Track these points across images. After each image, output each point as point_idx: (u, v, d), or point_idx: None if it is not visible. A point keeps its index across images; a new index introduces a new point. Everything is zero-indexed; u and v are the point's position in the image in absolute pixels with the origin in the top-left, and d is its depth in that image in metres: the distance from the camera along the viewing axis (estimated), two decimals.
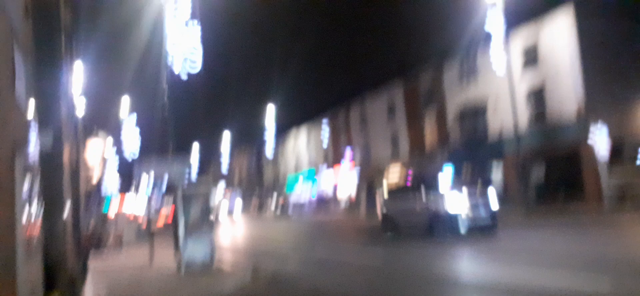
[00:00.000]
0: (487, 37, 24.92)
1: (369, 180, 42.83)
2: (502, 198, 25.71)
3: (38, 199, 6.06)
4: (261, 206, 54.12)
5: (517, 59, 26.99)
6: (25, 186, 4.88)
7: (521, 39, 27.04)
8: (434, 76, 35.03)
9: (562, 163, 24.90)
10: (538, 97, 26.68)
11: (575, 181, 24.03)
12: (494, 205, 15.66)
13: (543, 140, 25.99)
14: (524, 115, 26.49)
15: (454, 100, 32.90)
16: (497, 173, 29.62)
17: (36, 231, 5.80)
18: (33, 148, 5.97)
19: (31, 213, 5.35)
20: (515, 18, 25.01)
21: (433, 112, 35.36)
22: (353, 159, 45.34)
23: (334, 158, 50.02)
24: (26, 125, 5.47)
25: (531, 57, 26.80)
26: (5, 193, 4.06)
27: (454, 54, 31.86)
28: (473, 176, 31.48)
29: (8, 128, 4.26)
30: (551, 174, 24.96)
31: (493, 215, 15.53)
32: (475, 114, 30.92)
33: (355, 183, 45.04)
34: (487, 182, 29.96)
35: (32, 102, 6.01)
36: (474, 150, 30.60)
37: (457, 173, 32.35)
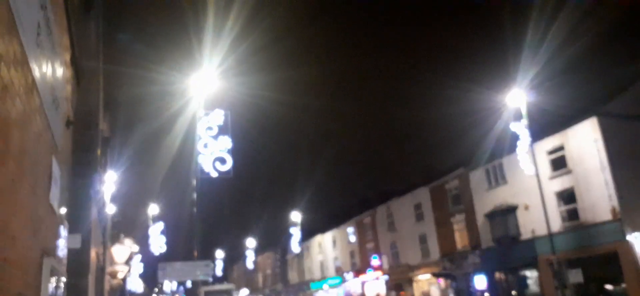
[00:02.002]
0: (514, 138, 25.62)
1: (398, 281, 41.79)
2: None
3: None
4: None
5: (545, 161, 27.29)
6: (51, 288, 5.14)
7: (547, 143, 27.59)
8: (461, 177, 35.25)
9: (599, 262, 24.51)
10: (569, 198, 26.68)
11: (615, 280, 23.82)
12: None
13: (577, 240, 25.67)
14: (555, 215, 26.28)
15: (482, 201, 32.79)
16: (531, 274, 28.85)
17: None
18: (61, 251, 6.30)
19: None
20: (540, 123, 25.88)
21: (462, 213, 35.12)
22: (380, 265, 44.47)
23: (360, 262, 49.16)
24: (57, 230, 5.84)
25: (559, 159, 27.21)
26: (32, 295, 4.31)
27: (480, 156, 32.28)
28: (508, 280, 30.56)
29: (40, 233, 4.62)
30: (589, 273, 24.27)
31: None
32: (505, 215, 30.62)
33: (384, 289, 43.91)
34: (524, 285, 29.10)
35: (64, 207, 6.44)
36: (506, 250, 30.01)
37: (490, 276, 31.51)
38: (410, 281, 40.66)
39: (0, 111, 2.90)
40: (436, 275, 36.86)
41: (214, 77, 16.80)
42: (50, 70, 4.59)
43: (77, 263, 7.19)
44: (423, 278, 39.24)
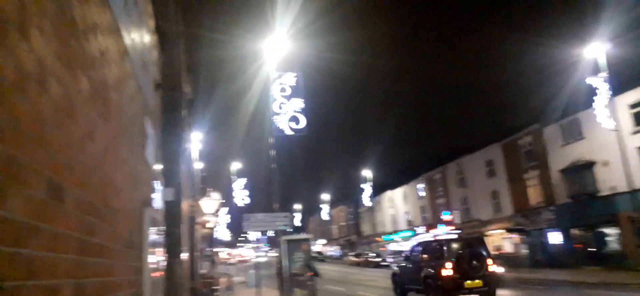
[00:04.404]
0: (591, 93, 23.82)
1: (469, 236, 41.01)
2: (621, 259, 23.49)
3: (162, 246, 6.81)
4: (359, 256, 53.56)
5: (626, 115, 25.15)
6: (152, 235, 5.55)
7: (629, 96, 25.29)
8: (535, 132, 33.43)
9: None
10: None
11: None
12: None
13: None
14: (637, 171, 24.27)
15: (557, 157, 31.01)
16: (610, 231, 27.09)
17: (160, 273, 6.50)
18: (158, 203, 6.76)
19: (156, 258, 6.04)
20: (622, 75, 23.76)
21: (535, 169, 33.48)
22: (451, 220, 43.74)
23: (431, 217, 48.67)
24: (153, 183, 6.26)
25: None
26: (136, 241, 4.68)
27: (554, 111, 30.32)
28: (586, 237, 28.96)
29: (140, 186, 4.97)
30: None
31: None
32: (582, 171, 28.82)
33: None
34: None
35: (158, 164, 6.87)
36: (582, 207, 28.34)
37: (565, 232, 30.02)
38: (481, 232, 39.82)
39: (100, 75, 3.11)
40: (509, 230, 35.77)
41: (286, 40, 16.93)
42: (138, 37, 4.83)
43: (171, 214, 7.68)
44: (495, 233, 38.24)
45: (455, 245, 14.73)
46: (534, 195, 33.91)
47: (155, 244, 5.96)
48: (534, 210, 33.37)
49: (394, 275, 18.44)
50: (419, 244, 17.70)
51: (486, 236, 39.07)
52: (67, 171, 2.38)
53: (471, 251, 14.26)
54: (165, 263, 6.99)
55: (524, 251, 33.79)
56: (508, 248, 36.48)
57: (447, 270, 13.70)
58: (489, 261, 14.04)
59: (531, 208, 33.87)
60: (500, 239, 37.72)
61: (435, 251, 15.16)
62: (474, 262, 13.82)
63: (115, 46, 3.63)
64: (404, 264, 17.65)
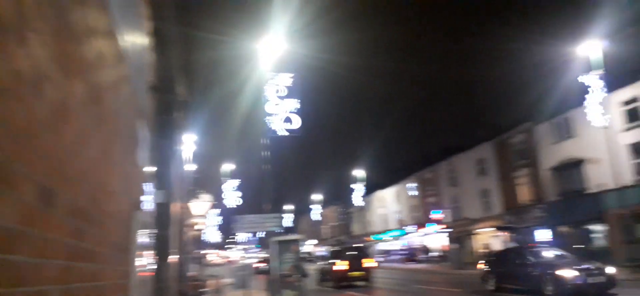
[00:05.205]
0: (582, 91, 24.02)
1: (459, 235, 41.28)
2: (607, 255, 23.74)
3: (152, 248, 6.76)
4: None
5: (616, 113, 25.44)
6: (141, 238, 5.51)
7: (621, 94, 25.56)
8: (527, 130, 33.71)
9: None
10: None
11: None
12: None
13: None
14: (626, 169, 24.58)
15: (548, 155, 31.30)
16: (597, 228, 27.41)
17: (148, 275, 6.45)
18: (149, 205, 6.72)
19: (145, 260, 6.00)
20: (613, 74, 24.01)
21: (526, 168, 33.78)
22: (442, 220, 43.97)
23: (422, 216, 48.90)
24: (145, 186, 6.21)
25: (633, 111, 25.21)
26: (125, 244, 4.65)
27: (546, 109, 30.58)
28: (573, 233, 29.25)
29: (131, 189, 4.93)
30: None
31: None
32: (571, 168, 29.13)
33: (446, 241, 43.56)
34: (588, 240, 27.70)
35: (149, 166, 6.82)
36: (571, 204, 28.63)
37: (554, 230, 30.31)
38: (470, 235, 40.07)
39: (96, 79, 3.08)
40: (498, 228, 36.06)
41: (281, 41, 16.88)
42: (134, 39, 4.79)
43: (161, 217, 7.62)
44: (484, 231, 38.51)
45: (346, 251, 24.08)
46: (524, 193, 34.20)
47: (144, 247, 5.92)
48: (524, 208, 33.67)
49: (320, 271, 25.68)
50: (329, 250, 28.64)
51: (475, 234, 39.71)
52: (60, 175, 2.35)
53: (355, 254, 23.34)
54: (154, 266, 6.94)
55: None
56: (497, 245, 36.75)
57: (339, 266, 22.51)
58: (366, 260, 23.08)
59: (521, 206, 34.17)
60: (489, 238, 38.00)
61: (336, 254, 24.28)
62: (356, 261, 22.49)
63: (111, 50, 3.59)
64: (324, 262, 25.92)
